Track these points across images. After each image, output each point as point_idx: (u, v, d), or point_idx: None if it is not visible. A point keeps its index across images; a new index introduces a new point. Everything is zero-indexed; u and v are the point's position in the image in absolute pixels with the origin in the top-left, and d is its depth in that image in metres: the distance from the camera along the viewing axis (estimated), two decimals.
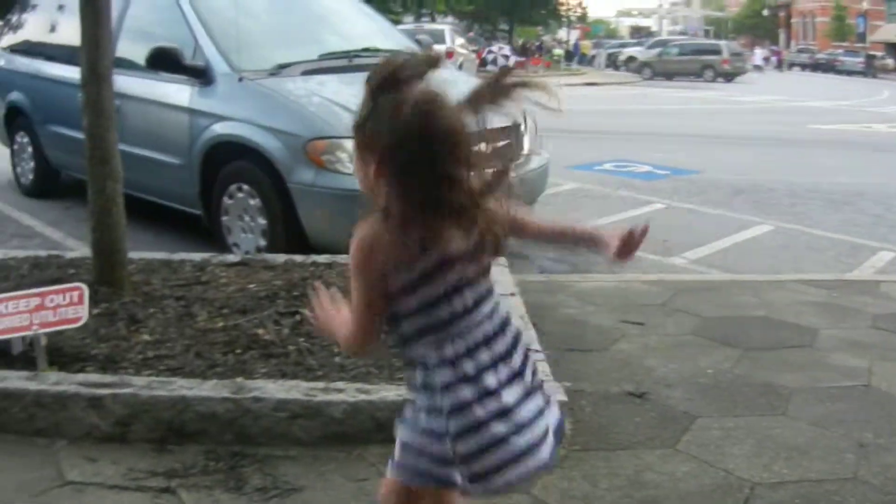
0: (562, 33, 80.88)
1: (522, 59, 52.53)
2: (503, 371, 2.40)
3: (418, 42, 9.68)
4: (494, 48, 48.97)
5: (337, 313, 2.55)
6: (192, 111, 7.68)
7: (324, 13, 9.33)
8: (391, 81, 2.31)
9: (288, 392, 4.06)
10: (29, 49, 10.49)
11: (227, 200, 7.48)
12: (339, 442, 3.98)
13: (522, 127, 8.03)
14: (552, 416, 2.51)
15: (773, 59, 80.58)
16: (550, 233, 2.68)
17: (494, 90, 2.40)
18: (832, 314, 6.28)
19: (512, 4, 64.90)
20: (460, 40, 40.85)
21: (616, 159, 14.28)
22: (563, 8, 76.52)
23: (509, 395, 2.38)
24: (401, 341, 2.45)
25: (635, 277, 7.14)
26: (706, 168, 13.84)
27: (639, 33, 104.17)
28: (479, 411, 2.34)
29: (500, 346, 2.43)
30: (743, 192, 11.82)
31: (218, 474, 3.80)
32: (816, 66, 77.76)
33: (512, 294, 5.62)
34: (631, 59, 58.79)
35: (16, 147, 10.62)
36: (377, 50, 8.61)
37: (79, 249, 6.92)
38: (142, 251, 6.40)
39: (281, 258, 6.30)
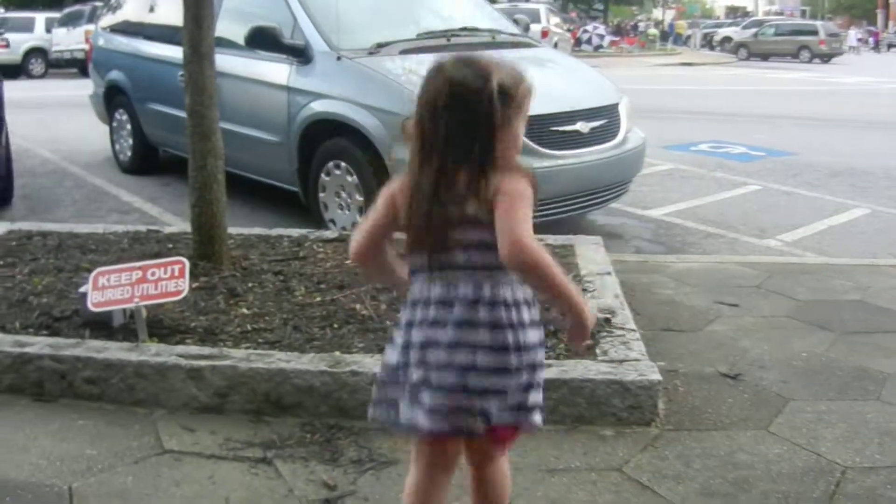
0: (657, 13, 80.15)
1: (617, 38, 52.17)
2: None
3: (515, 21, 9.63)
4: (589, 27, 48.76)
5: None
6: (290, 89, 7.74)
7: None
8: None
9: None
10: (127, 29, 10.69)
11: (324, 177, 7.54)
12: None
13: (620, 106, 7.97)
14: None
15: (871, 39, 78.83)
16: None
17: None
18: None
19: None
20: (556, 19, 40.67)
21: (711, 140, 14.07)
22: None
23: None
24: None
25: (730, 259, 7.07)
26: (802, 150, 13.57)
27: (734, 13, 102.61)
28: None
29: None
30: (839, 174, 11.56)
31: (314, 446, 3.83)
32: None
33: (608, 273, 5.57)
34: (726, 39, 57.96)
35: (115, 125, 10.85)
36: (475, 29, 8.61)
37: (176, 225, 7.04)
38: (240, 227, 6.47)
39: None
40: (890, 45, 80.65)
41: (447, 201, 2.51)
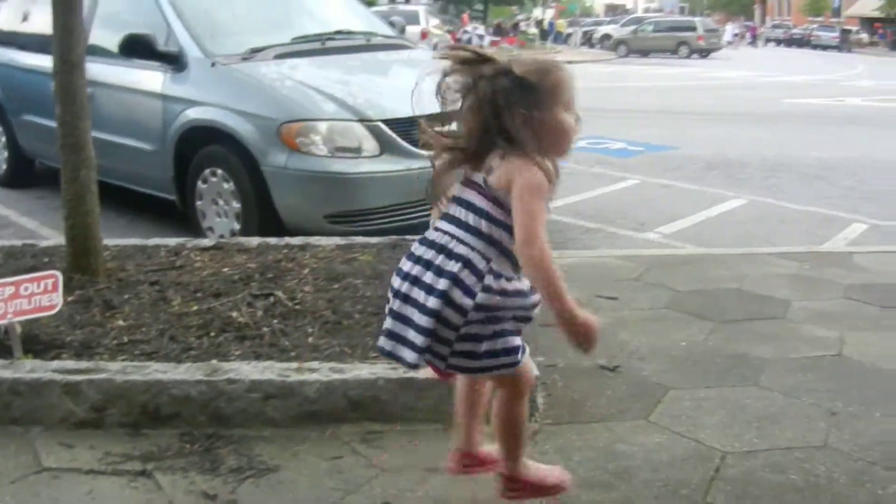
0: (537, 12, 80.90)
1: (497, 38, 52.63)
2: None
3: (391, 24, 9.69)
4: (469, 28, 49.10)
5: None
6: (165, 97, 7.68)
7: None
8: None
9: (262, 373, 4.08)
10: (0, 39, 10.45)
11: (201, 185, 7.50)
12: (313, 421, 4.01)
13: None
14: None
15: (748, 34, 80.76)
16: None
17: None
18: (804, 286, 6.33)
19: None
20: (435, 21, 40.93)
21: (590, 136, 14.21)
22: None
23: None
24: None
25: (609, 253, 7.19)
26: (681, 144, 13.89)
27: (614, 11, 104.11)
28: None
29: None
30: (717, 167, 11.88)
31: (193, 456, 3.82)
32: (791, 42, 78.19)
33: None
34: (606, 36, 58.97)
35: None
36: (350, 32, 8.66)
37: (53, 238, 6.92)
38: (117, 238, 6.41)
39: (255, 241, 6.31)
40: (767, 40, 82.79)
41: None
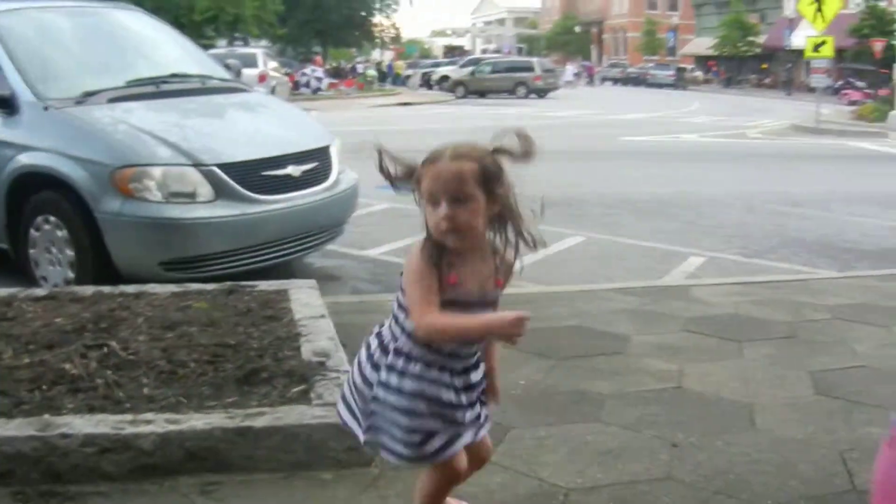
0: (376, 54, 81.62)
1: (336, 80, 52.87)
2: None
3: (227, 67, 9.65)
4: (308, 70, 49.20)
5: None
6: None
7: (133, 39, 9.13)
8: None
9: (96, 426, 4.01)
10: None
11: (34, 233, 7.32)
12: (150, 474, 3.96)
13: (331, 148, 8.13)
14: None
15: (585, 74, 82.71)
16: None
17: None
18: (644, 320, 6.52)
19: (324, 27, 65.30)
20: (273, 63, 40.90)
21: None
22: (377, 29, 77.36)
23: None
24: None
25: None
26: (517, 182, 14.05)
27: (452, 53, 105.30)
28: None
29: None
30: (556, 204, 12.00)
31: None
32: (628, 80, 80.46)
33: (322, 316, 5.64)
34: (444, 77, 59.63)
35: None
36: (185, 75, 8.60)
37: None
38: None
39: (89, 290, 6.19)
40: (604, 79, 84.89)
41: None
